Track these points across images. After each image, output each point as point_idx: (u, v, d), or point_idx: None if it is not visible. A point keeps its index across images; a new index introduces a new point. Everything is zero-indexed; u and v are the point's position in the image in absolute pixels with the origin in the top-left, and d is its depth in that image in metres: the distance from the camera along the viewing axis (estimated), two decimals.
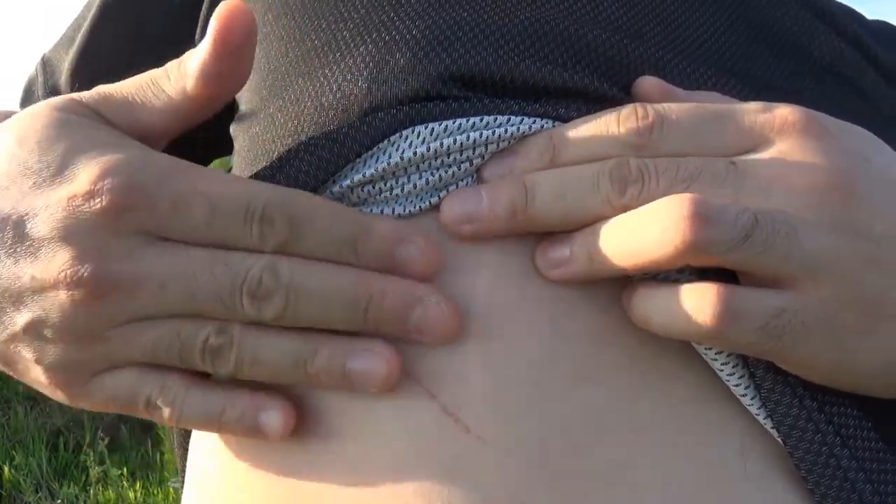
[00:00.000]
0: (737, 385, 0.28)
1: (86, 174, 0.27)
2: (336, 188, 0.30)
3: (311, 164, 0.30)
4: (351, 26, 0.33)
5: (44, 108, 0.30)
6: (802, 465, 0.28)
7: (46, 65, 0.55)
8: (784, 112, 0.29)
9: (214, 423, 0.29)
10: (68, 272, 0.27)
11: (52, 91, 0.54)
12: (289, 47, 0.35)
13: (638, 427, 0.28)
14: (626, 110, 0.29)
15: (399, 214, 0.30)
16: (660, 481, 0.27)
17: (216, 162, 0.55)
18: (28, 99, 0.56)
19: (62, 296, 0.27)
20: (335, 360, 0.28)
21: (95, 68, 0.52)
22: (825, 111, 0.30)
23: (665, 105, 0.29)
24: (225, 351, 0.27)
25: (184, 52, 0.48)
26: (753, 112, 0.29)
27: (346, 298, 0.27)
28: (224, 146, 0.51)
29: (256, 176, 0.31)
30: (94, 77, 0.53)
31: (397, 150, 0.30)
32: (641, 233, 0.26)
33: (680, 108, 0.29)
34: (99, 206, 0.27)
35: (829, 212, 0.26)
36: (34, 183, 0.28)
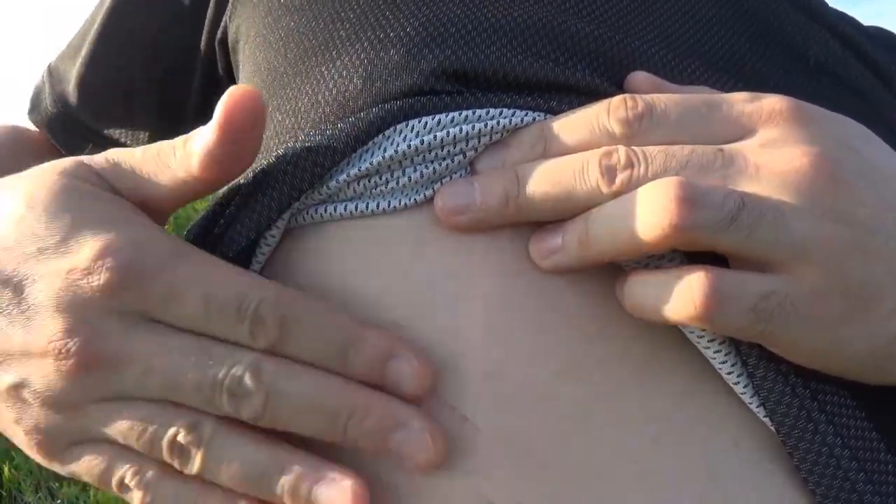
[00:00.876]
0: (729, 373, 0.29)
1: (88, 250, 0.27)
2: (333, 183, 0.30)
3: (307, 160, 0.30)
4: (347, 26, 0.34)
5: (50, 171, 0.30)
6: (796, 453, 0.28)
7: (53, 74, 0.55)
8: (771, 101, 0.29)
9: None
10: (58, 343, 0.27)
11: (60, 99, 0.54)
12: (287, 48, 0.35)
13: (627, 421, 0.28)
14: (616, 100, 0.29)
15: (395, 207, 0.30)
16: (650, 474, 0.28)
17: None
18: (36, 108, 0.57)
19: (48, 364, 0.27)
20: (302, 483, 0.27)
21: (105, 77, 0.52)
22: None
23: (654, 95, 0.30)
24: (192, 450, 0.27)
25: (191, 56, 0.49)
26: (741, 102, 0.29)
27: (326, 410, 0.27)
28: None
29: (254, 171, 0.32)
30: (103, 85, 0.53)
31: (392, 144, 0.30)
32: (630, 217, 0.27)
33: (669, 98, 0.29)
34: (96, 283, 0.27)
35: (816, 198, 0.27)
36: (38, 249, 0.28)
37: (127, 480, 0.28)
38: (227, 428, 0.28)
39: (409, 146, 0.29)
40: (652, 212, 0.26)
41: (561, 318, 0.29)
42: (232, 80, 0.45)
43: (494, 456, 0.27)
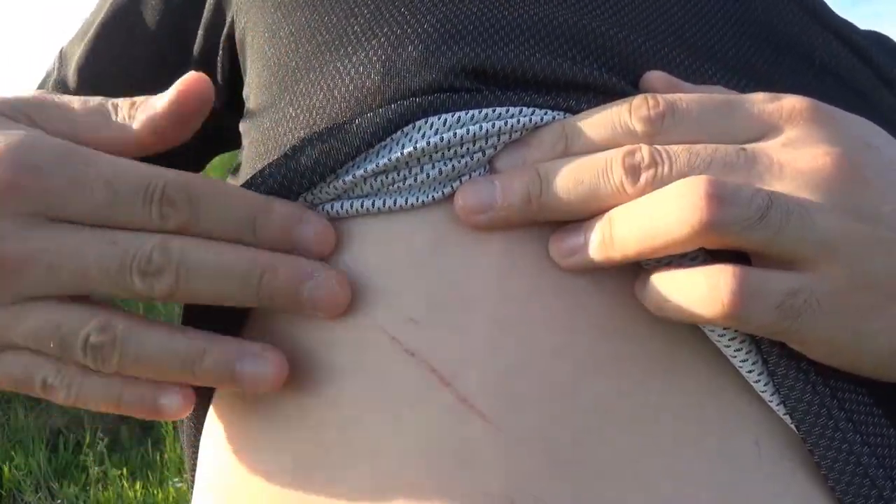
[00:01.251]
0: (750, 371, 0.29)
1: None
2: (349, 178, 0.30)
3: (324, 154, 0.30)
4: (361, 21, 0.34)
5: None
6: (816, 450, 0.28)
7: (63, 58, 0.55)
8: (792, 101, 0.29)
9: (112, 406, 0.29)
10: None
11: (61, 84, 0.54)
12: (299, 43, 0.35)
13: (646, 418, 0.28)
14: (637, 100, 0.29)
15: (412, 204, 0.30)
16: (669, 472, 0.28)
17: (218, 158, 0.55)
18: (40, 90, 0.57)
19: None
20: (224, 363, 0.28)
21: (103, 67, 0.52)
22: None
23: (675, 94, 0.30)
24: (106, 349, 0.28)
25: (186, 55, 0.49)
26: (761, 101, 0.30)
27: (238, 274, 0.28)
28: (224, 142, 0.51)
29: (269, 167, 0.32)
30: (100, 74, 0.53)
31: (411, 140, 0.30)
32: (657, 215, 0.27)
33: (689, 97, 0.30)
34: None
35: (839, 195, 0.27)
36: None
37: (50, 380, 0.29)
38: (139, 322, 0.28)
39: (429, 143, 0.29)
40: (681, 209, 0.26)
41: (580, 316, 0.29)
42: (239, 77, 0.45)
43: (513, 453, 0.27)
